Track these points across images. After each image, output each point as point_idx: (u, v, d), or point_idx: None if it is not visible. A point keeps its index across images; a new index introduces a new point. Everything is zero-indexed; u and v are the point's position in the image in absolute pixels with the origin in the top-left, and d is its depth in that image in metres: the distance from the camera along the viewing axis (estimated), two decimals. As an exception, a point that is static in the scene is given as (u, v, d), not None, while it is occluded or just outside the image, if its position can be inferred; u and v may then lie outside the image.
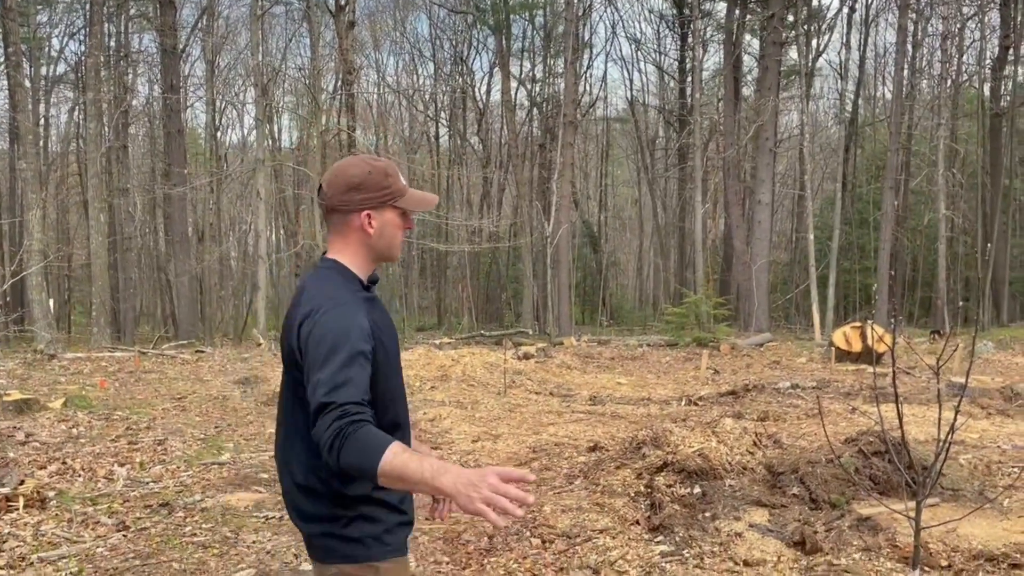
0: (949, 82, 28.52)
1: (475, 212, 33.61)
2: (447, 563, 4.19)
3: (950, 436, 2.27)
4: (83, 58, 24.15)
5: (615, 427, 7.37)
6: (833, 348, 13.62)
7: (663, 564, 3.78)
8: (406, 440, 2.03)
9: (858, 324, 14.18)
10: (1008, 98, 31.04)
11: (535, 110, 33.41)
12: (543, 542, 4.30)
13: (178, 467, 6.17)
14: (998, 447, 5.89)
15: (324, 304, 1.80)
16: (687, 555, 3.87)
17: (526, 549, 4.26)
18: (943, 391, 8.45)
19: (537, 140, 32.80)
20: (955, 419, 2.42)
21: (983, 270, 28.73)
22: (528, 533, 4.43)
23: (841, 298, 33.19)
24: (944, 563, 3.44)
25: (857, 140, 34.39)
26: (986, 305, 28.74)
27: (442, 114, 36.47)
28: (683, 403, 9.12)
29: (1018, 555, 3.40)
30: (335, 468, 1.65)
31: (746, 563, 3.72)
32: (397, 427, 1.98)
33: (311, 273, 2.00)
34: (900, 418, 2.30)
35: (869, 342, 13.60)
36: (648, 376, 12.32)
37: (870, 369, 12.91)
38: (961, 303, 30.64)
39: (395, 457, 1.58)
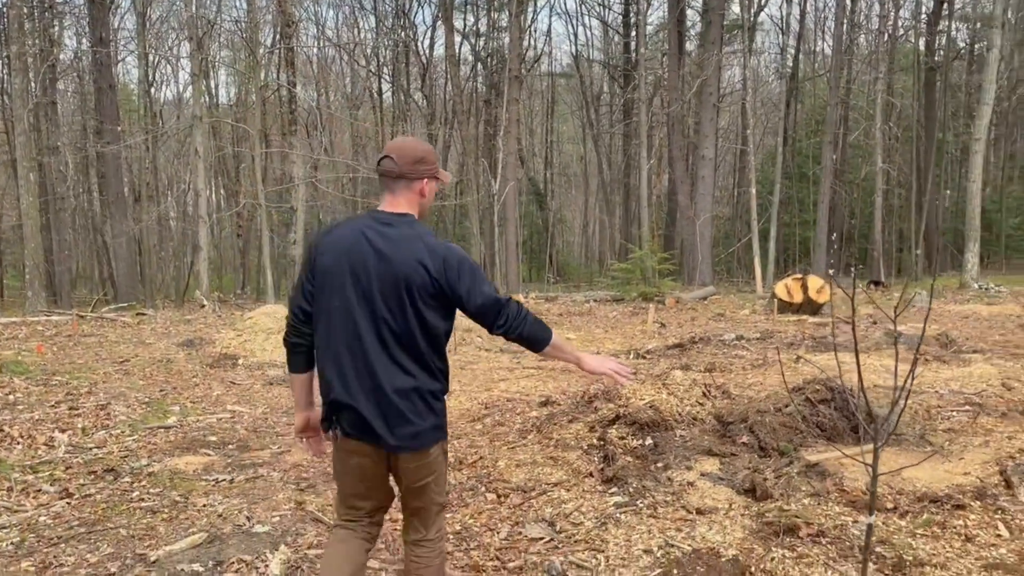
0: (886, 36, 28.96)
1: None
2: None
3: (909, 383, 2.30)
4: (5, 9, 22.86)
5: (566, 382, 7.42)
6: (776, 300, 13.91)
7: (617, 515, 3.83)
8: None
9: (799, 276, 14.49)
10: (942, 52, 31.74)
11: (480, 65, 32.95)
12: (498, 496, 4.32)
13: (122, 432, 6.00)
14: (936, 392, 6.09)
15: (449, 243, 2.48)
16: (641, 505, 3.92)
17: (481, 504, 4.27)
18: (883, 339, 8.72)
19: (482, 96, 32.40)
20: (913, 368, 2.44)
21: (917, 221, 29.63)
22: (483, 488, 4.44)
23: (782, 251, 33.93)
24: (890, 505, 3.55)
25: (797, 95, 34.81)
26: (919, 255, 29.69)
27: (385, 69, 35.68)
28: (632, 356, 9.22)
29: (960, 496, 3.53)
30: (513, 337, 2.46)
31: (698, 511, 3.78)
32: None
33: (398, 224, 2.48)
34: (859, 368, 2.32)
35: (810, 293, 13.94)
36: (596, 331, 12.42)
37: (810, 319, 13.25)
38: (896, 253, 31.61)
39: (557, 336, 2.53)
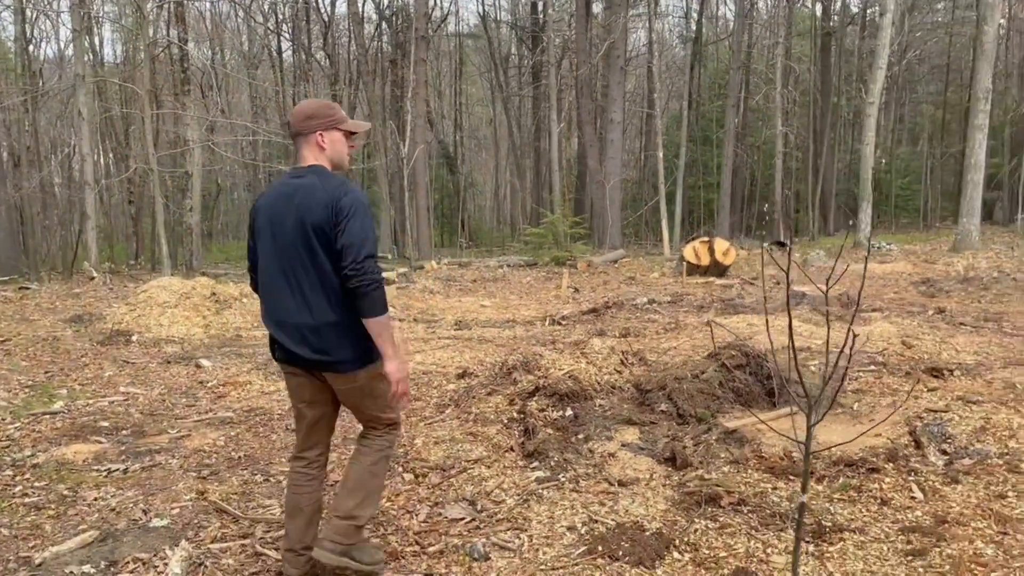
0: (785, 1, 29.61)
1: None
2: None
3: (850, 347, 2.24)
4: None
5: (483, 352, 7.30)
6: (685, 263, 14.14)
7: (540, 490, 3.74)
8: None
9: (706, 239, 14.76)
10: (837, 18, 32.75)
11: (384, 24, 31.99)
12: (416, 476, 4.17)
13: (3, 419, 5.54)
14: (839, 351, 6.23)
15: (352, 188, 2.71)
16: (563, 479, 3.84)
17: (399, 485, 4.11)
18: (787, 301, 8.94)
19: (388, 56, 31.54)
20: (850, 339, 2.40)
21: (813, 183, 30.70)
22: (400, 468, 4.28)
23: (687, 213, 34.64)
24: (806, 470, 3.57)
25: (701, 59, 35.34)
26: (815, 216, 30.84)
27: (284, 27, 34.25)
28: (547, 323, 9.17)
29: (874, 459, 3.58)
30: (358, 295, 2.64)
31: (620, 483, 3.73)
32: None
33: (306, 175, 2.79)
34: (791, 333, 2.25)
35: (716, 256, 14.23)
36: (511, 297, 12.34)
37: (717, 281, 13.54)
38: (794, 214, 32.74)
39: (388, 321, 2.72)
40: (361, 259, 2.63)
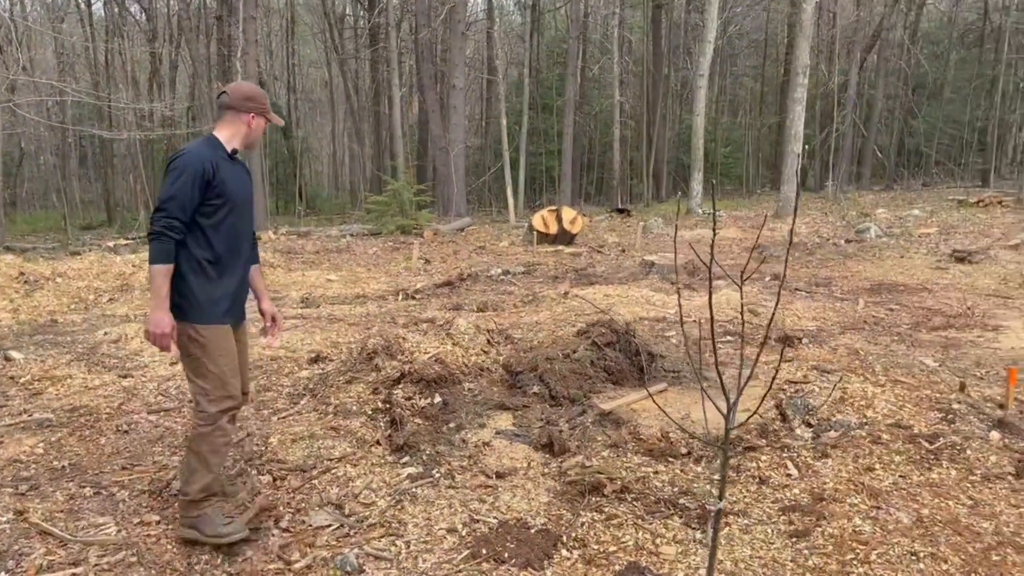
0: (619, -29, 30.21)
1: (143, 93, 29.65)
2: (157, 521, 3.54)
3: (773, 317, 2.14)
4: None
5: (335, 332, 6.90)
6: (534, 232, 14.18)
7: (413, 489, 3.51)
8: (241, 257, 3.30)
9: (553, 208, 14.88)
10: (667, -8, 33.86)
11: (207, -23, 29.74)
12: (274, 479, 3.81)
13: None
14: (694, 321, 6.39)
15: (186, 149, 3.09)
16: (437, 475, 3.62)
17: (256, 487, 3.74)
18: (639, 271, 9.09)
19: (213, 12, 29.40)
20: (777, 304, 2.30)
21: (647, 152, 31.85)
22: (254, 471, 3.90)
23: (529, 181, 35.02)
24: (684, 451, 3.56)
25: (539, 26, 35.57)
26: (649, 184, 32.06)
27: (93, -24, 31.07)
28: (400, 298, 8.86)
29: (747, 436, 3.62)
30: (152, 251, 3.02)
31: (498, 475, 3.57)
32: (230, 248, 3.20)
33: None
34: (711, 308, 2.11)
35: (564, 224, 14.38)
36: (358, 270, 11.88)
37: (566, 249, 13.69)
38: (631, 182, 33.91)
39: (160, 270, 2.98)
40: (153, 211, 3.00)
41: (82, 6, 30.81)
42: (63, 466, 4.21)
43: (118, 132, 23.65)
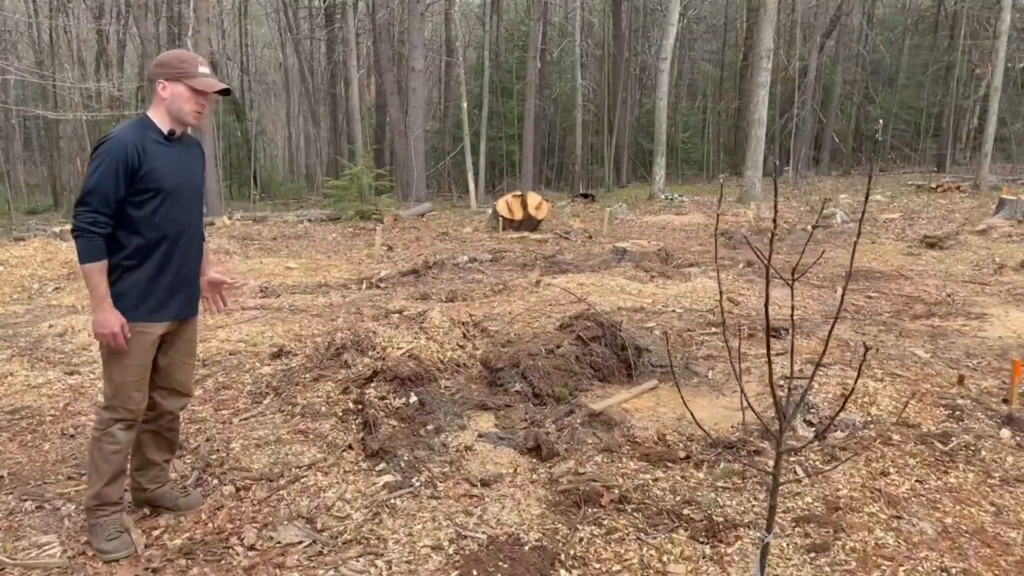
0: (580, -47, 29.85)
1: (90, 73, 28.53)
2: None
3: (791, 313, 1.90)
4: None
5: (297, 324, 6.54)
6: (500, 218, 13.89)
7: (392, 500, 3.21)
8: (180, 250, 2.96)
9: (518, 193, 14.59)
10: (627, -25, 33.61)
11: (156, -48, 28.65)
12: (237, 490, 3.48)
13: None
14: (673, 311, 6.18)
15: (108, 137, 2.81)
16: (417, 484, 3.34)
17: (218, 500, 3.41)
18: (611, 258, 8.86)
19: (162, -11, 28.35)
20: (767, 300, 2.05)
21: (609, 136, 31.67)
22: (214, 481, 3.57)
23: (489, 165, 34.62)
24: (683, 455, 3.33)
25: (498, 9, 35.08)
26: (610, 169, 31.91)
27: (34, -50, 29.74)
28: (364, 287, 8.51)
29: (751, 438, 3.39)
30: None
31: (483, 483, 3.30)
32: (163, 240, 2.89)
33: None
34: (767, 308, 1.87)
35: (529, 210, 14.11)
36: (319, 257, 11.46)
37: (532, 235, 13.43)
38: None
39: (93, 269, 2.75)
40: (75, 204, 2.76)
41: (23, -18, 29.51)
42: (1, 476, 3.83)
43: (64, 113, 22.66)
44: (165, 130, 2.89)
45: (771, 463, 3.20)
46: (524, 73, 30.41)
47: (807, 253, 10.00)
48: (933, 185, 19.19)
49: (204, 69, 2.90)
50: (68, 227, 15.47)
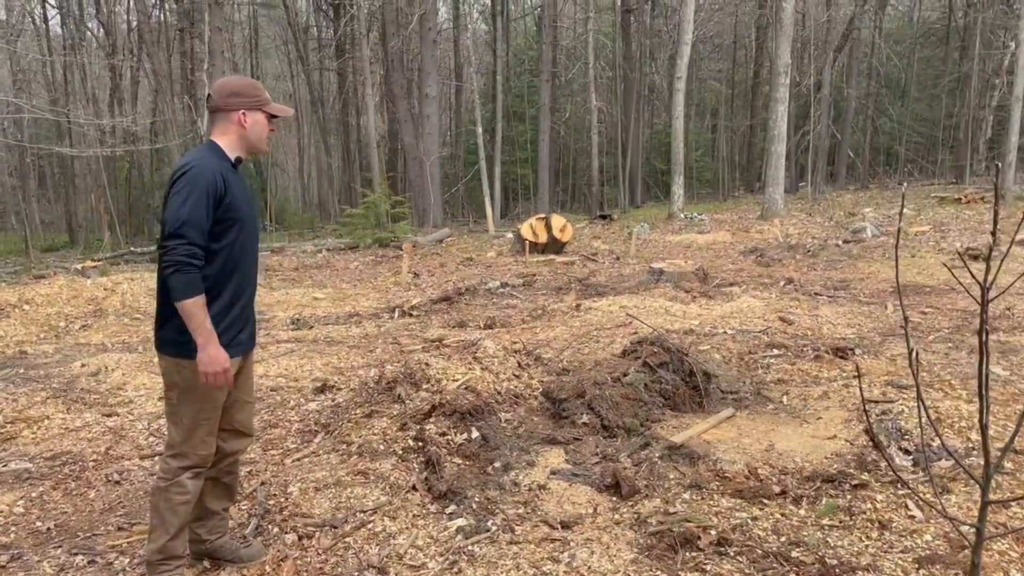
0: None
1: (104, 109, 28.72)
2: None
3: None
4: None
5: (336, 356, 6.35)
6: (526, 242, 13.72)
7: (469, 547, 3.00)
8: (249, 280, 2.89)
9: (542, 216, 14.45)
10: (636, -3, 33.70)
11: (166, -10, 28.93)
12: (300, 538, 3.28)
13: None
14: (725, 333, 5.96)
15: (191, 162, 2.69)
16: (492, 527, 3.12)
17: (281, 550, 3.21)
18: (648, 279, 8.66)
19: (174, 26, 28.61)
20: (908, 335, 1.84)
21: (623, 157, 31.59)
22: (277, 529, 3.36)
23: (503, 190, 34.54)
24: (778, 490, 3.10)
25: (507, 35, 35.20)
26: (625, 189, 31.77)
27: (47, -9, 30.07)
28: (397, 315, 8.33)
29: (851, 470, 3.17)
30: (163, 276, 2.65)
31: (563, 524, 3.08)
32: (236, 271, 2.81)
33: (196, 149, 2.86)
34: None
35: (554, 232, 13.94)
36: (344, 286, 11.31)
37: (558, 259, 13.25)
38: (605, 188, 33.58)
39: (196, 305, 2.61)
40: (167, 237, 2.58)
41: (38, 22, 29.85)
42: (48, 528, 3.64)
43: (80, 149, 22.75)
44: (233, 158, 2.83)
45: (878, 497, 2.97)
46: (535, 97, 30.43)
47: (843, 268, 9.77)
48: (956, 196, 18.93)
49: (268, 95, 2.93)
50: (88, 264, 15.42)
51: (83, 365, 6.54)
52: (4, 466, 4.47)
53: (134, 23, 28.87)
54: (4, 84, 29.47)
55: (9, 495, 4.03)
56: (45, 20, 29.86)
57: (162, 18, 29.29)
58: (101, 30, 30.12)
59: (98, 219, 29.45)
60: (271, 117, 2.87)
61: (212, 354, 2.62)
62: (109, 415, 5.23)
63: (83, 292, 9.75)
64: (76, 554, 3.35)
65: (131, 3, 28.07)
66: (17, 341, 7.98)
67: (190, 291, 2.58)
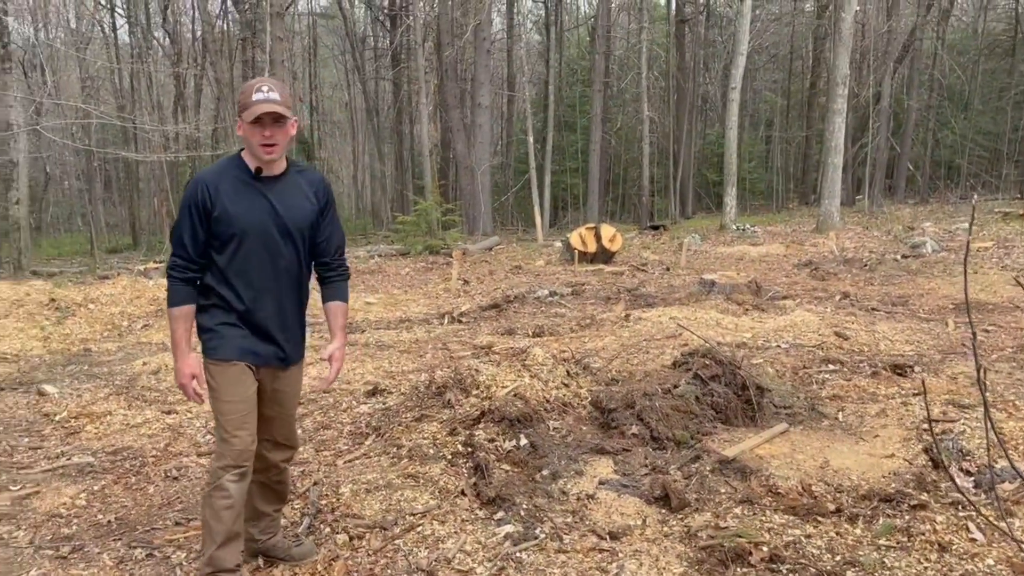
0: (641, -12, 29.88)
1: (168, 116, 29.60)
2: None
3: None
4: None
5: (387, 361, 6.43)
6: (575, 251, 13.71)
7: (517, 553, 3.01)
8: (269, 295, 2.79)
9: (592, 225, 14.43)
10: (690, 7, 33.49)
11: (229, 2, 29.75)
12: (350, 538, 3.32)
13: None
14: (778, 347, 5.87)
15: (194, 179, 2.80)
16: (540, 535, 3.13)
17: (329, 551, 3.26)
18: (699, 290, 8.58)
19: (236, 35, 29.38)
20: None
21: (675, 167, 31.34)
22: (328, 529, 3.42)
23: (552, 199, 34.54)
24: (832, 507, 3.04)
25: (560, 45, 35.26)
26: (676, 200, 31.51)
27: (117, 3, 31.19)
28: (446, 321, 8.40)
29: (909, 489, 3.09)
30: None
31: (612, 535, 3.07)
32: (248, 284, 2.77)
33: None
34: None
35: (603, 242, 13.90)
36: (395, 292, 11.44)
37: (607, 268, 13.20)
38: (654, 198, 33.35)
39: (180, 312, 2.75)
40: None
41: (107, 31, 30.90)
42: (108, 520, 3.76)
43: (144, 155, 23.44)
44: (253, 168, 2.74)
45: (938, 518, 2.89)
46: (586, 107, 30.41)
47: (902, 283, 9.54)
48: (1021, 212, 18.33)
49: (258, 95, 2.63)
50: (151, 265, 15.87)
51: (144, 363, 6.73)
52: (68, 460, 4.63)
53: (198, 32, 29.71)
54: (74, 91, 30.54)
55: (72, 488, 4.17)
56: (114, 29, 30.89)
57: (225, 28, 30.11)
58: (167, 39, 31.06)
59: (160, 222, 30.29)
60: (256, 122, 2.63)
61: (177, 366, 2.75)
62: (168, 412, 5.37)
63: (145, 293, 10.04)
64: (135, 547, 3.44)
65: (196, 13, 28.89)
66: (82, 339, 8.26)
67: (171, 299, 2.71)
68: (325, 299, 3.10)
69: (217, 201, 2.64)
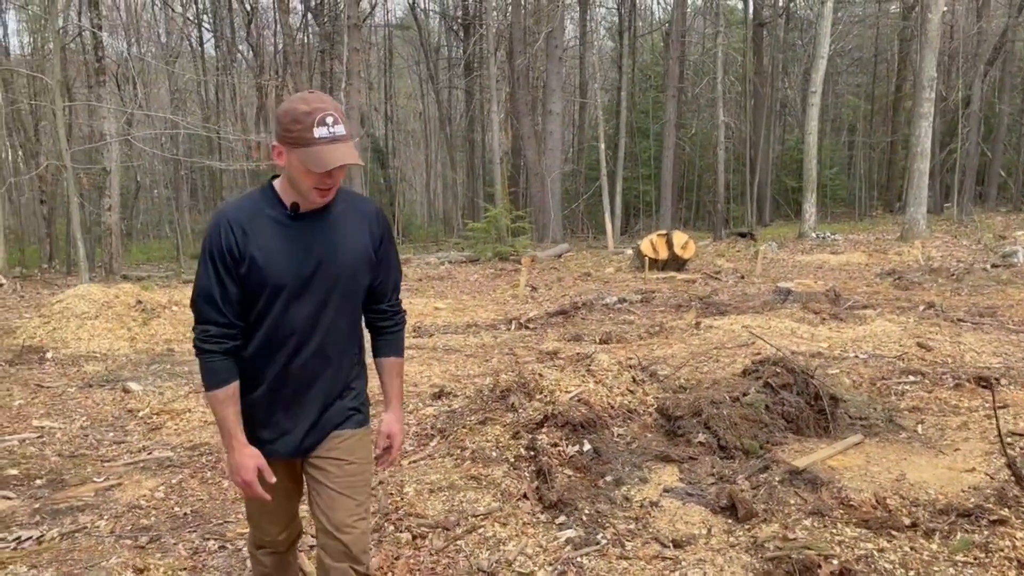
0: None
1: (250, 126, 30.65)
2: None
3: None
4: None
5: (453, 364, 6.49)
6: (646, 258, 13.58)
7: (578, 558, 2.99)
8: (308, 359, 2.16)
9: (663, 232, 14.26)
10: (768, 11, 32.84)
11: (310, 15, 30.64)
12: (413, 537, 3.36)
13: None
14: (856, 357, 5.68)
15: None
16: (602, 541, 3.10)
17: (391, 550, 3.30)
18: (774, 299, 8.38)
19: (316, 47, 30.24)
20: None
21: (752, 174, 30.72)
22: (392, 527, 3.46)
23: (624, 206, 34.29)
24: (908, 522, 2.92)
25: (633, 51, 35.04)
26: (752, 207, 30.87)
27: (204, 17, 32.51)
28: (513, 327, 8.42)
29: (990, 505, 2.95)
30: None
31: (675, 543, 3.02)
32: (278, 349, 2.14)
33: None
34: None
35: (675, 249, 13.73)
36: (464, 297, 11.54)
37: (678, 276, 13.02)
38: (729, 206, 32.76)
39: (224, 395, 2.10)
40: None
41: (194, 45, 32.18)
42: (185, 513, 3.89)
43: (228, 163, 24.29)
44: (288, 203, 2.10)
45: (1018, 535, 2.74)
46: (659, 113, 30.11)
47: (991, 294, 9.12)
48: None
49: (321, 132, 1.96)
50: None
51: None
52: (149, 454, 4.82)
53: (280, 45, 30.65)
54: (163, 102, 31.89)
55: (152, 481, 4.33)
56: (201, 43, 32.16)
57: (305, 40, 30.99)
58: (250, 52, 32.15)
59: (241, 229, 31.31)
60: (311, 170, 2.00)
61: (233, 461, 2.13)
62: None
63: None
64: (208, 539, 3.56)
65: (278, 26, 29.80)
66: (166, 339, 8.59)
67: (207, 382, 2.08)
68: (377, 353, 2.41)
69: (244, 245, 2.03)
